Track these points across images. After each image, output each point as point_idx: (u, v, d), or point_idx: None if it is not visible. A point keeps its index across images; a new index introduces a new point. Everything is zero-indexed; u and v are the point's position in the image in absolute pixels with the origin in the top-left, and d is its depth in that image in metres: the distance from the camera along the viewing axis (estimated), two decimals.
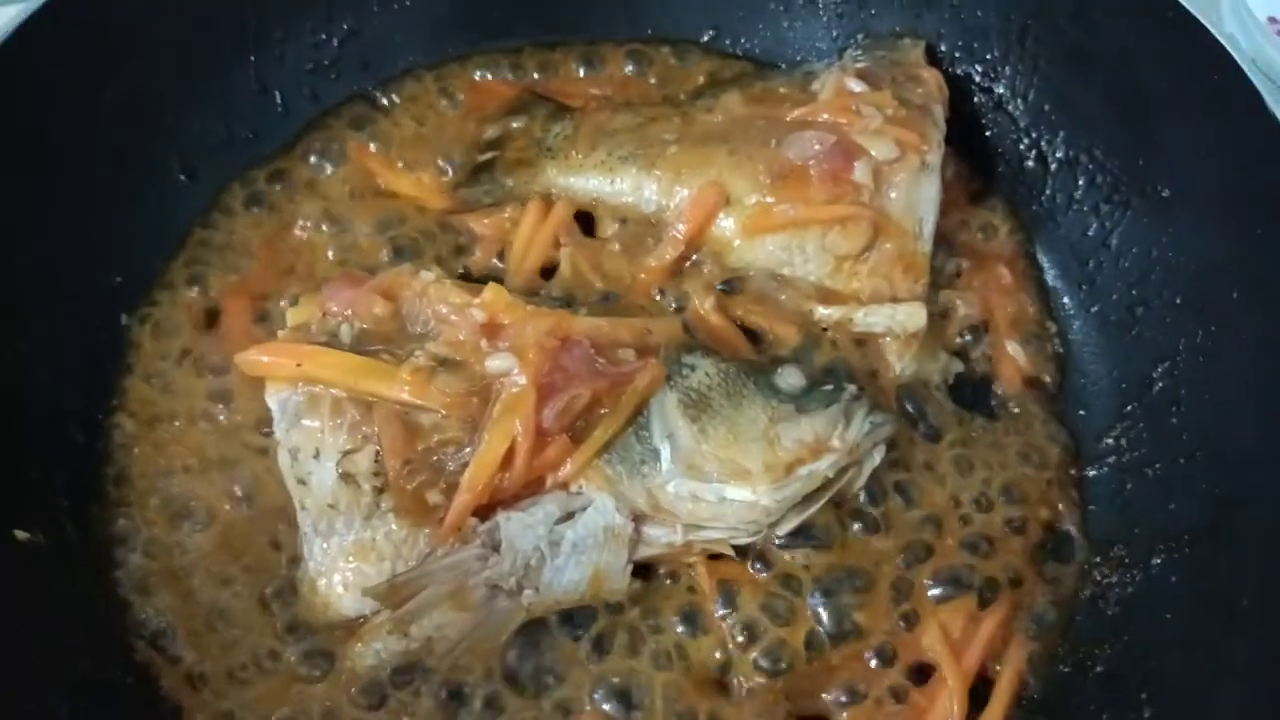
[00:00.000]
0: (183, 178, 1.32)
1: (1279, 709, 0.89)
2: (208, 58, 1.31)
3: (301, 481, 1.08)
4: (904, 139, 1.24)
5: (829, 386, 1.13)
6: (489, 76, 1.46)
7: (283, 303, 1.25)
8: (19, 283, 1.14)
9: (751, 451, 1.08)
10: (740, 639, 1.10)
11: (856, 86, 1.28)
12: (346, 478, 1.06)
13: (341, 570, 1.07)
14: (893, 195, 1.23)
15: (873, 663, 1.10)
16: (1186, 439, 1.13)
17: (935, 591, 1.13)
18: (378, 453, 1.05)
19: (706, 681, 1.09)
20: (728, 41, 1.49)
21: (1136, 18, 1.20)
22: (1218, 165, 1.14)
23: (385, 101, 1.43)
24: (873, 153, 1.23)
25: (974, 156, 1.38)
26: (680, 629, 1.11)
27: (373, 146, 1.39)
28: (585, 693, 1.08)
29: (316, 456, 1.07)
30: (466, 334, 1.08)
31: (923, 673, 1.10)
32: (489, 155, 1.39)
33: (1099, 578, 1.14)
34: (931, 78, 1.32)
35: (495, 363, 1.06)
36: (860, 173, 1.23)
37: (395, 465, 1.04)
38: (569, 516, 1.07)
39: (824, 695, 1.09)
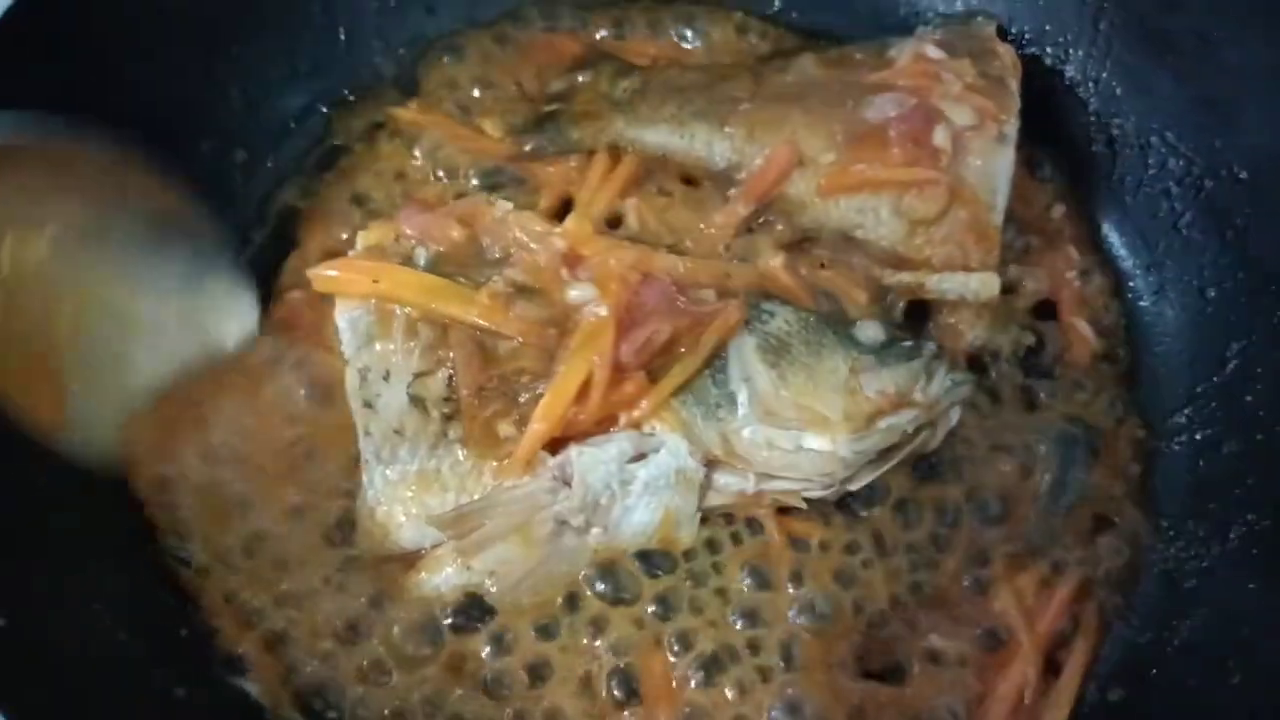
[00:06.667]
0: (241, 104, 1.28)
1: None
2: None
3: (368, 404, 1.04)
4: (983, 107, 1.23)
5: (908, 343, 1.11)
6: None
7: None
8: None
9: (831, 400, 1.05)
10: (809, 594, 1.07)
11: (935, 54, 1.28)
12: (416, 401, 1.02)
13: (403, 500, 1.04)
14: (972, 163, 1.22)
15: (945, 626, 1.07)
16: (1264, 416, 1.11)
17: (1006, 558, 1.11)
18: (450, 378, 1.02)
19: (774, 637, 1.05)
20: (795, 14, 1.48)
21: None
22: None
23: (449, 48, 1.39)
24: (952, 118, 1.22)
25: (1042, 139, 1.36)
26: (748, 581, 1.07)
27: (435, 91, 1.36)
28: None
29: (386, 379, 1.03)
30: (546, 262, 1.06)
31: (994, 638, 1.07)
32: (554, 107, 1.36)
33: (1172, 552, 1.11)
34: (1006, 53, 1.31)
35: (576, 292, 1.04)
36: (940, 137, 1.21)
37: (469, 390, 1.01)
38: (641, 457, 1.04)
39: (895, 656, 1.05)
